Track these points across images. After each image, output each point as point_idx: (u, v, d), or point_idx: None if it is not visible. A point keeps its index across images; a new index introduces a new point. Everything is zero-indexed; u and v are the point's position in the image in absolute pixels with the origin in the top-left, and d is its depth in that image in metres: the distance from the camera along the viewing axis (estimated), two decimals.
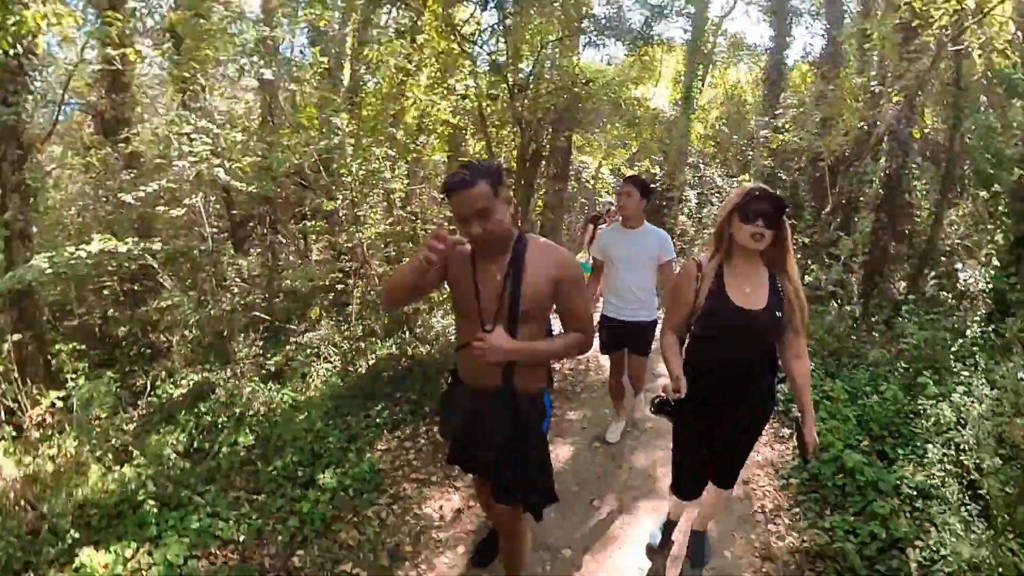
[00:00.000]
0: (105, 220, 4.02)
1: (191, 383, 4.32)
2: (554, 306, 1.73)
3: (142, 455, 3.25)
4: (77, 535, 2.48)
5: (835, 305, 4.72)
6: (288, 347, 4.63)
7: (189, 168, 3.28)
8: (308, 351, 4.40)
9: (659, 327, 2.82)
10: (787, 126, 5.57)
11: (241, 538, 2.57)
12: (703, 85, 11.67)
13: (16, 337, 3.66)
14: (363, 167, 3.91)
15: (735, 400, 1.92)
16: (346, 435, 3.42)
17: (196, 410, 3.93)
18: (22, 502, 2.77)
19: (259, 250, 5.14)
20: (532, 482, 1.77)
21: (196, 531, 2.54)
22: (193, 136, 3.26)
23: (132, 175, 3.72)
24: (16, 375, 3.44)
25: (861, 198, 5.35)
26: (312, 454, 3.14)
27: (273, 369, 4.31)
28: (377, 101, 4.50)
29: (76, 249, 3.36)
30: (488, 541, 2.42)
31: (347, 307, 4.53)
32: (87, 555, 2.31)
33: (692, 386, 1.77)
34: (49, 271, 3.17)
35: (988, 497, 2.01)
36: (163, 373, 4.41)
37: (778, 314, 1.82)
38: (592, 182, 9.08)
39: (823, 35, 7.72)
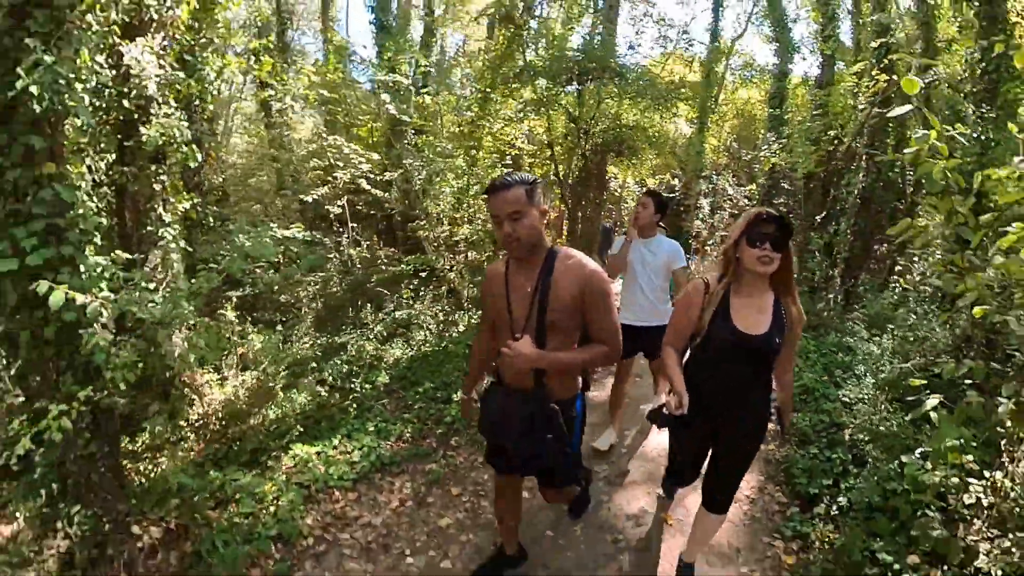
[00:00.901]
0: (277, 213, 5.35)
1: (324, 342, 5.65)
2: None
3: (303, 390, 4.57)
4: (286, 437, 3.73)
5: (820, 293, 6.00)
6: (388, 317, 5.96)
7: (347, 178, 4.62)
8: (409, 322, 5.72)
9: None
10: (778, 151, 6.76)
11: (408, 434, 3.86)
12: (716, 103, 12.90)
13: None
14: (456, 183, 5.24)
15: (730, 415, 2.00)
16: (461, 372, 4.66)
17: (332, 361, 5.27)
18: (246, 408, 4.07)
19: (368, 242, 6.48)
20: (559, 468, 1.92)
21: (375, 431, 3.83)
22: (349, 155, 4.59)
23: (296, 180, 5.05)
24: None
25: (845, 206, 6.58)
26: (443, 384, 4.44)
27: (385, 333, 5.64)
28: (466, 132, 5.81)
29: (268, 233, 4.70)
30: (492, 563, 2.46)
31: (436, 289, 5.87)
32: (298, 448, 3.54)
33: (691, 401, 1.83)
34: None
35: (889, 394, 3.28)
36: (300, 334, 5.75)
37: (778, 340, 1.87)
38: (619, 190, 10.36)
39: (819, 67, 8.94)
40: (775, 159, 6.53)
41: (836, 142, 6.05)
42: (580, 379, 1.95)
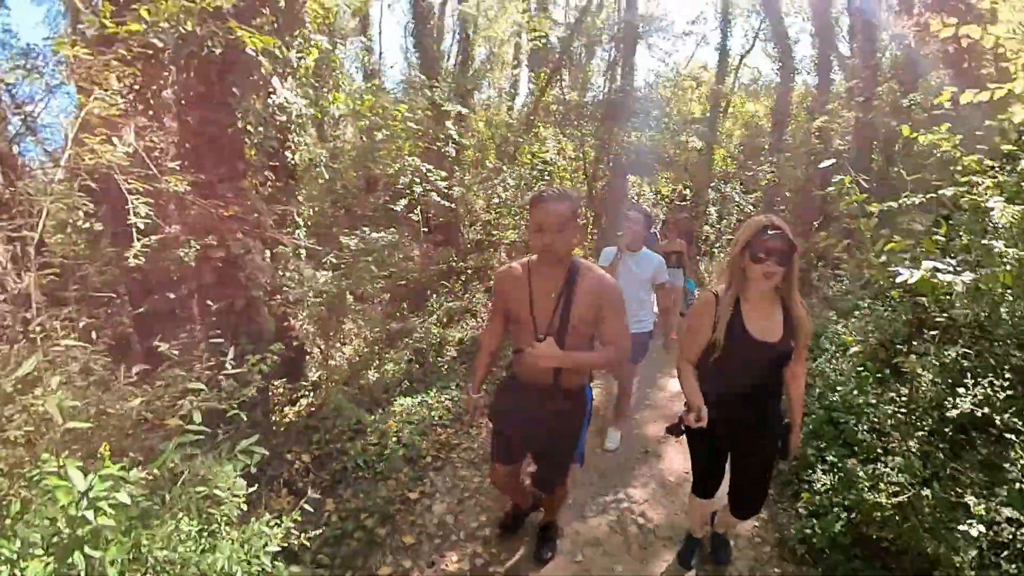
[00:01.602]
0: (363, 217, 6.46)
1: (396, 326, 6.74)
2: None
3: (392, 360, 5.65)
4: (393, 391, 4.83)
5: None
6: (446, 306, 7.05)
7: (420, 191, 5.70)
8: (464, 310, 6.80)
9: (651, 339, 3.58)
10: (770, 171, 7.82)
11: (484, 388, 4.89)
12: (724, 115, 13.93)
13: None
14: (504, 194, 6.33)
15: (748, 424, 2.06)
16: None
17: (405, 342, 6.35)
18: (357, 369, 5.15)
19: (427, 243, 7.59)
20: (564, 467, 2.20)
21: (456, 387, 4.88)
22: (426, 173, 5.67)
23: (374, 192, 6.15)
24: None
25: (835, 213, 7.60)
26: (500, 356, 5.51)
27: (445, 319, 6.73)
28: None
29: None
30: (510, 517, 2.82)
31: (486, 283, 6.95)
32: (402, 399, 4.65)
33: (708, 411, 1.87)
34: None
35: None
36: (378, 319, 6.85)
37: (792, 343, 1.92)
38: (636, 197, 11.40)
39: (815, 88, 9.98)
40: (770, 176, 7.59)
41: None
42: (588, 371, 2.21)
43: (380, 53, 12.97)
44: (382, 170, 5.76)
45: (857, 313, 4.38)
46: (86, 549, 1.22)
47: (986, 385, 2.42)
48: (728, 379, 1.98)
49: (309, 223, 5.20)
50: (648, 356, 3.92)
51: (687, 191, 11.21)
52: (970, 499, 2.12)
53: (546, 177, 6.51)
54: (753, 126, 13.99)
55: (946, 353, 3.03)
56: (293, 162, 4.17)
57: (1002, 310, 2.82)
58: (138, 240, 2.07)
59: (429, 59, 8.88)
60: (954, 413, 2.35)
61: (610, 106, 6.50)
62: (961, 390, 2.47)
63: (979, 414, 2.35)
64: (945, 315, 3.24)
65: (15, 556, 1.16)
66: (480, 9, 7.50)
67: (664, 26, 8.68)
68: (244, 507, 1.67)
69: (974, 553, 2.06)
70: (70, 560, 1.21)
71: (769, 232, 1.83)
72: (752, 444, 2.13)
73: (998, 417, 2.34)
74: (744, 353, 1.94)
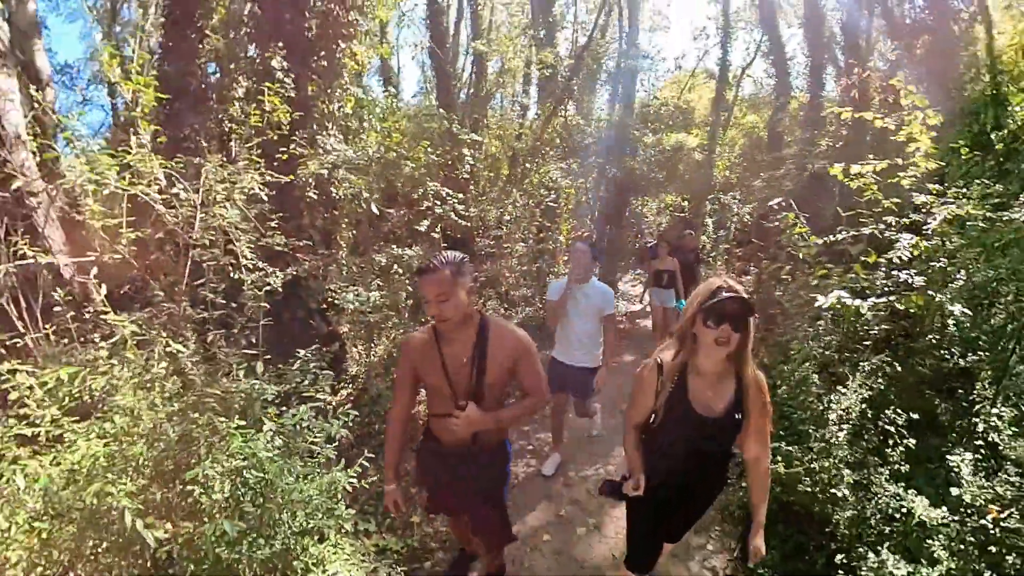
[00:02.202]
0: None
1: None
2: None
3: None
4: None
5: None
6: None
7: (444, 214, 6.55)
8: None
9: (598, 375, 3.48)
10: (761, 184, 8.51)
11: None
12: (725, 127, 14.60)
13: None
14: (514, 212, 7.14)
15: (690, 491, 2.03)
16: None
17: None
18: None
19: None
20: (501, 522, 2.22)
21: None
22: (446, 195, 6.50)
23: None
24: None
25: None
26: None
27: None
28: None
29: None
30: (458, 562, 2.78)
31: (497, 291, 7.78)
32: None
33: (649, 478, 1.86)
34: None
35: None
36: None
37: (738, 416, 1.81)
38: (641, 210, 12.13)
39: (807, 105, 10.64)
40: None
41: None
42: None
43: (399, 68, 13.85)
44: (404, 195, 6.60)
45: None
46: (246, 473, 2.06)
47: (871, 387, 3.18)
48: (671, 450, 1.90)
49: (348, 244, 6.07)
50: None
51: (685, 203, 11.90)
52: (846, 471, 2.89)
53: (550, 202, 7.31)
54: (754, 136, 14.62)
55: (870, 361, 3.77)
56: (338, 196, 5.03)
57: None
58: (248, 274, 2.93)
59: (445, 83, 9.83)
60: (841, 407, 3.10)
61: (606, 137, 7.29)
62: (842, 389, 3.21)
63: (863, 409, 3.11)
64: (871, 330, 3.99)
65: (202, 478, 1.99)
66: (491, 45, 8.29)
67: (660, 63, 9.39)
68: (331, 456, 2.50)
69: (850, 513, 2.82)
70: (242, 481, 2.06)
71: (724, 294, 1.71)
72: (693, 501, 2.11)
73: (882, 413, 3.11)
74: (686, 428, 1.85)
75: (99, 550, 1.89)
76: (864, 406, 3.14)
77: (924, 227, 3.68)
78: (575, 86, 7.97)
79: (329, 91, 5.05)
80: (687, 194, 11.63)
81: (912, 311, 3.54)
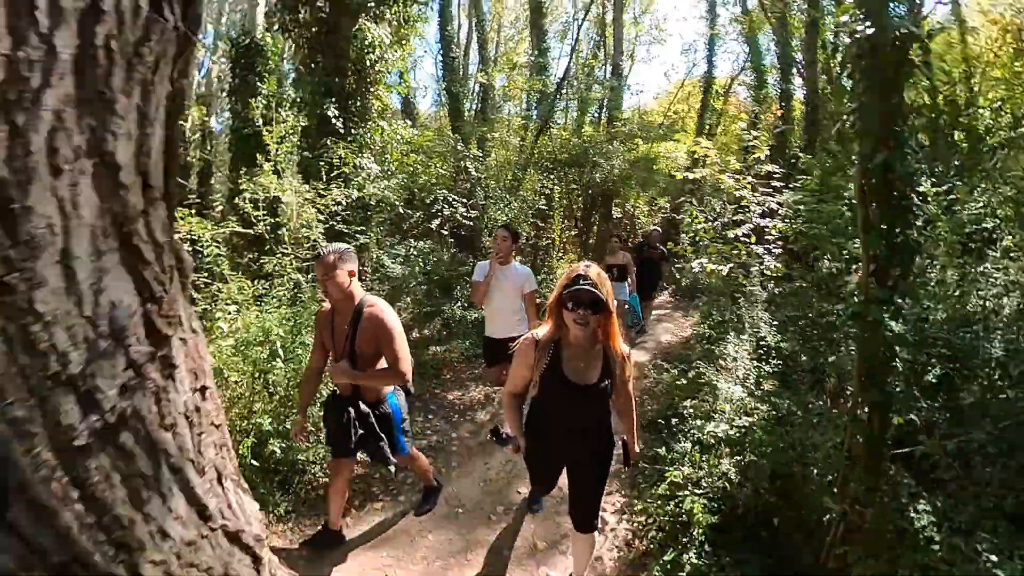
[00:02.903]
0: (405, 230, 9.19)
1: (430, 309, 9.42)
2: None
3: (428, 328, 8.32)
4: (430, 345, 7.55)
5: None
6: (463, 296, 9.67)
7: (452, 215, 8.36)
8: None
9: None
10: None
11: None
12: (712, 135, 16.07)
13: None
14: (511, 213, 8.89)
15: (573, 448, 2.28)
16: None
17: (436, 318, 9.02)
18: None
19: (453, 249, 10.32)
20: (381, 449, 2.69)
21: (473, 344, 7.57)
22: (453, 200, 8.31)
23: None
24: None
25: None
26: None
27: (465, 304, 9.34)
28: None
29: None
30: (318, 535, 3.02)
31: None
32: (432, 348, 7.38)
33: (533, 441, 2.20)
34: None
35: None
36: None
37: (606, 383, 2.10)
38: (632, 210, 13.73)
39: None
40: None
41: None
42: (394, 387, 2.73)
43: (416, 92, 15.77)
44: (420, 200, 8.41)
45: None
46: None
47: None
48: (550, 413, 2.20)
49: (377, 239, 7.91)
50: None
51: (665, 203, 13.45)
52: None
53: (541, 206, 9.02)
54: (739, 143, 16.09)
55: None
56: (370, 201, 6.86)
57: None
58: None
59: (456, 105, 11.72)
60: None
61: (583, 154, 8.96)
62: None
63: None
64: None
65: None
66: (494, 70, 10.07)
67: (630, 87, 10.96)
68: None
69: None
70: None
71: (580, 283, 1.94)
72: (580, 463, 2.33)
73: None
74: (562, 394, 2.09)
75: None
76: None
77: (778, 213, 5.32)
78: (559, 109, 9.70)
79: (363, 125, 6.90)
80: (665, 196, 13.18)
81: (778, 275, 5.19)
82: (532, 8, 11.88)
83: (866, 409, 2.10)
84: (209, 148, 12.93)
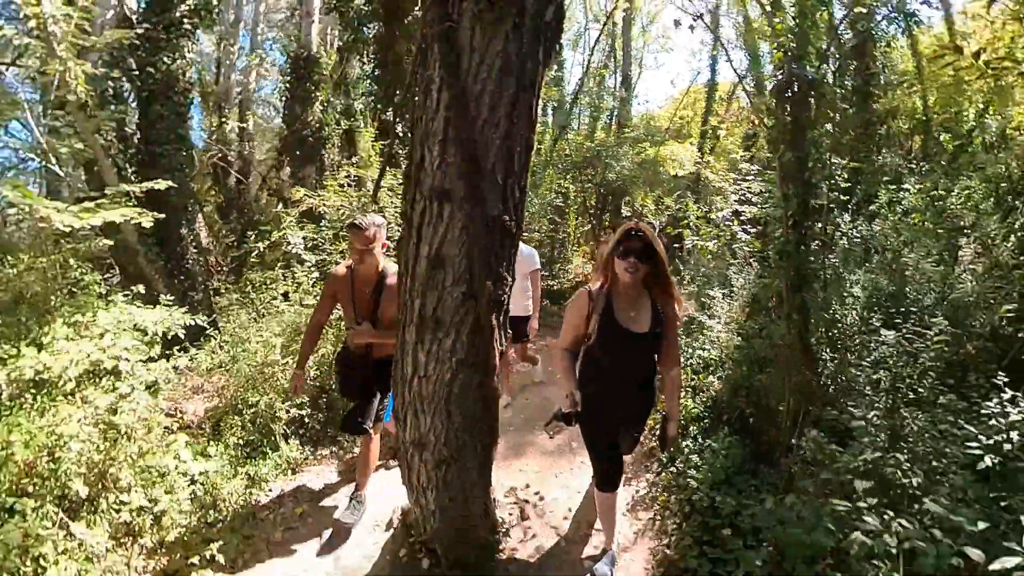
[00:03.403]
0: None
1: None
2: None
3: None
4: None
5: None
6: None
7: None
8: None
9: (530, 322, 4.36)
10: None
11: None
12: (715, 138, 17.22)
13: None
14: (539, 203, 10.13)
15: (624, 401, 2.37)
16: None
17: None
18: None
19: None
20: (378, 403, 2.99)
21: None
22: None
23: None
24: None
25: None
26: None
27: None
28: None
29: None
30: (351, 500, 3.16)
31: None
32: None
33: (587, 394, 2.23)
34: None
35: None
36: None
37: (658, 331, 2.23)
38: (642, 207, 14.92)
39: None
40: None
41: None
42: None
43: None
44: None
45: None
46: None
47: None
48: (605, 365, 2.29)
49: None
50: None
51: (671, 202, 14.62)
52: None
53: (559, 203, 10.25)
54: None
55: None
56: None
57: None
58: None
59: None
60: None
61: (595, 157, 10.18)
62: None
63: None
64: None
65: None
66: None
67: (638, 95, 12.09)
68: None
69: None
70: None
71: (632, 234, 2.14)
72: (628, 418, 2.44)
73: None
74: (615, 342, 2.23)
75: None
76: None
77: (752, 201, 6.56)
78: (574, 118, 10.95)
79: None
80: (669, 195, 14.35)
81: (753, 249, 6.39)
82: None
83: (795, 315, 3.31)
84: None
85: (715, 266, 6.78)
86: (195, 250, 6.09)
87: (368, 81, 7.81)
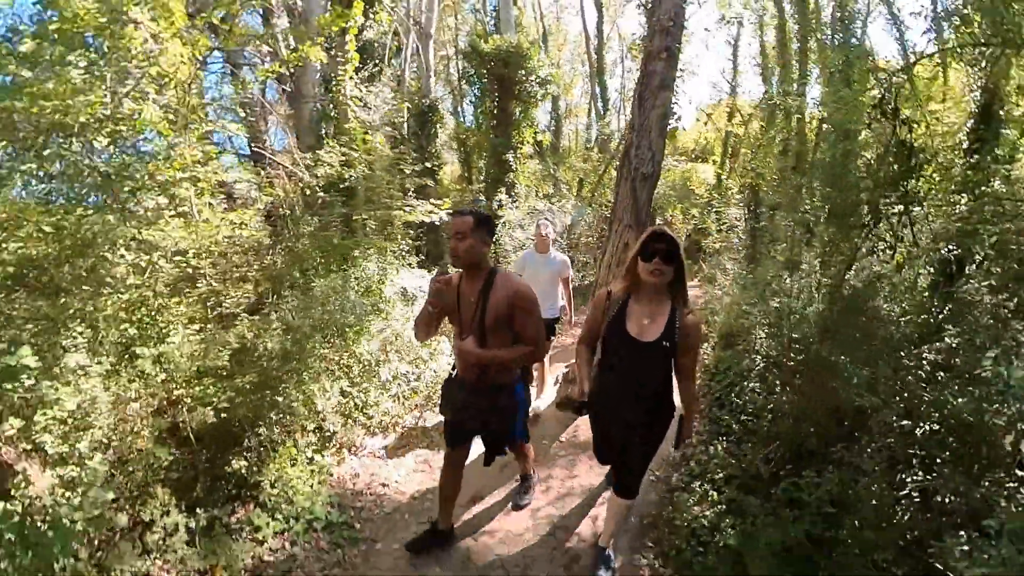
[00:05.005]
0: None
1: None
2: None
3: None
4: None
5: None
6: None
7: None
8: None
9: (566, 315, 4.52)
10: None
11: None
12: (736, 156, 19.86)
13: None
14: None
15: (627, 407, 2.32)
16: None
17: None
18: None
19: None
20: (500, 444, 2.61)
21: None
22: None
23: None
24: None
25: None
26: None
27: None
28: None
29: None
30: (425, 536, 2.84)
31: None
32: None
33: (593, 390, 2.27)
34: None
35: None
36: None
37: (666, 344, 2.13)
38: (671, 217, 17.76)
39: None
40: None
41: None
42: (518, 371, 2.50)
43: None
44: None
45: None
46: None
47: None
48: (608, 366, 2.30)
49: None
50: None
51: (696, 212, 17.42)
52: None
53: (607, 213, 13.29)
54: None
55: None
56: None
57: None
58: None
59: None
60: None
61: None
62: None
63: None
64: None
65: None
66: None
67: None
68: None
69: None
70: None
71: (658, 235, 2.12)
72: (632, 426, 2.35)
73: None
74: (620, 347, 2.22)
75: None
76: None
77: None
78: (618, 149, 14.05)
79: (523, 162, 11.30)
80: (696, 207, 17.24)
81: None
82: (596, 71, 16.85)
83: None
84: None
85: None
86: None
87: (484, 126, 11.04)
